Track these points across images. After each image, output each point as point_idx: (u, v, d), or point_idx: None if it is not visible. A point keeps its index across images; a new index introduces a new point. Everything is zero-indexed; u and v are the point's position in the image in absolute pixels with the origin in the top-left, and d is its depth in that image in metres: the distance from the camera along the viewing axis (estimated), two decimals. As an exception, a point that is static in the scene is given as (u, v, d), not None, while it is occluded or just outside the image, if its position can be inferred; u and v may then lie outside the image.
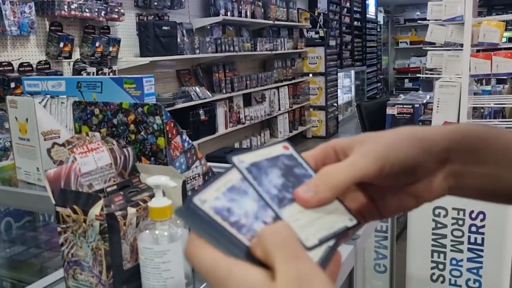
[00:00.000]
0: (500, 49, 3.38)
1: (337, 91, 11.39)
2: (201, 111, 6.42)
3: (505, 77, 5.09)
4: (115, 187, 1.13)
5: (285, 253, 0.46)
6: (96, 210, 1.01)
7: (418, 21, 5.60)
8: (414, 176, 0.60)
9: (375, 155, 0.56)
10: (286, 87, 9.34)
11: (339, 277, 1.21)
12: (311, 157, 0.59)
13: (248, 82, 7.73)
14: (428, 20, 3.48)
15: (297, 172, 0.56)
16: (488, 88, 5.14)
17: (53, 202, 1.05)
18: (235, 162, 0.53)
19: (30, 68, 4.28)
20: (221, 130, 7.01)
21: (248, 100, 8.30)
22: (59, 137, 1.61)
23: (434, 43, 3.74)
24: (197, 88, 6.43)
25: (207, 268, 0.48)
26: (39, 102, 1.63)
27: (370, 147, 0.57)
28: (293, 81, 9.64)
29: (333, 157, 0.60)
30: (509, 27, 10.54)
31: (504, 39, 3.80)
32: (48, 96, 1.66)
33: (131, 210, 1.07)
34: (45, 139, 1.59)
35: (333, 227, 0.53)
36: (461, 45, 3.32)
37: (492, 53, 3.30)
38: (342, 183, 0.54)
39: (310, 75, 10.46)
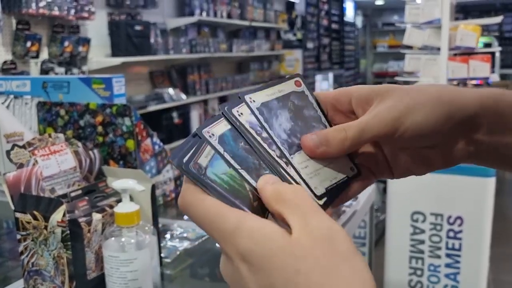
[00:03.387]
0: (477, 53, 3.38)
1: (314, 94, 11.40)
2: (174, 114, 6.34)
3: (482, 83, 5.13)
4: (79, 191, 1.08)
5: (304, 209, 0.45)
6: (58, 216, 0.96)
7: (396, 24, 5.61)
8: (432, 141, 0.57)
9: (390, 117, 0.53)
10: (263, 89, 9.32)
11: None
12: (323, 97, 0.59)
13: (223, 84, 7.67)
14: (406, 23, 3.48)
15: (306, 114, 0.56)
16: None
17: (12, 207, 1.00)
18: (247, 100, 0.53)
19: (-6, 69, 4.15)
20: (196, 133, 6.96)
21: (223, 103, 8.26)
22: (22, 139, 1.54)
23: (412, 47, 3.74)
24: (170, 90, 6.36)
25: (212, 219, 0.45)
26: (2, 103, 1.57)
27: (388, 106, 0.54)
28: (269, 84, 9.63)
29: (346, 106, 0.58)
30: (485, 33, 10.66)
31: (480, 45, 3.82)
32: (12, 96, 1.60)
33: (96, 216, 1.02)
34: (7, 142, 1.53)
35: (336, 177, 0.54)
36: (439, 48, 3.32)
37: (469, 57, 3.31)
38: (352, 143, 0.53)
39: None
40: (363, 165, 0.58)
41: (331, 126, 0.56)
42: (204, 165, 0.47)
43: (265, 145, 0.51)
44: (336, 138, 0.53)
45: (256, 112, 0.52)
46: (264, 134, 0.51)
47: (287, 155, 0.52)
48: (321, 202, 0.52)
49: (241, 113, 0.51)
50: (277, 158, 0.51)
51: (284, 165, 0.51)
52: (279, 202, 0.45)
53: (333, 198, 0.53)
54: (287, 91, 0.56)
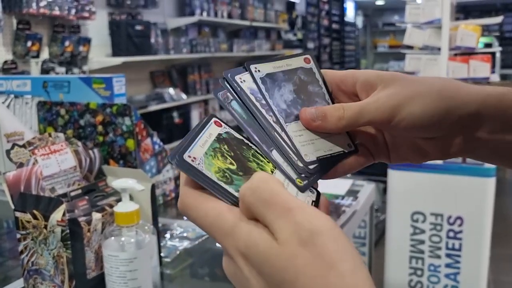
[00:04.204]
0: (477, 53, 3.38)
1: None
2: (175, 114, 6.33)
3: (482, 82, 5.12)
4: (79, 191, 1.08)
5: (274, 210, 0.44)
6: (57, 215, 0.96)
7: (397, 24, 5.62)
8: (428, 134, 0.57)
9: (389, 105, 0.54)
10: (263, 89, 9.31)
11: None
12: (330, 76, 0.60)
13: (224, 84, 7.67)
14: (406, 23, 3.48)
15: (310, 89, 0.57)
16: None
17: (12, 207, 1.00)
18: (251, 69, 0.53)
19: (-5, 68, 4.15)
20: (196, 133, 6.94)
21: (224, 103, 8.24)
22: (23, 139, 1.54)
23: (412, 47, 3.74)
24: (171, 90, 6.35)
25: (211, 220, 0.46)
26: (2, 102, 1.57)
27: (389, 93, 0.55)
28: (270, 84, 9.61)
29: (350, 88, 0.58)
30: (485, 33, 10.65)
31: (481, 45, 3.81)
32: (12, 95, 1.60)
33: (96, 216, 1.02)
34: (8, 141, 1.52)
35: (331, 149, 0.55)
36: (439, 48, 3.32)
37: (469, 57, 3.30)
38: (348, 123, 0.54)
39: (287, 77, 10.44)
40: (363, 145, 0.59)
41: (333, 104, 0.57)
42: (199, 156, 0.47)
43: (263, 111, 0.52)
44: (333, 115, 0.54)
45: (259, 81, 0.53)
46: (263, 102, 0.52)
47: (282, 122, 0.52)
48: (309, 172, 0.52)
49: (244, 80, 0.52)
50: (272, 123, 0.52)
51: (278, 129, 0.52)
52: (259, 206, 0.45)
53: (325, 168, 0.54)
54: (295, 66, 0.57)
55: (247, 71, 0.54)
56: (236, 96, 0.52)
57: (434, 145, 0.59)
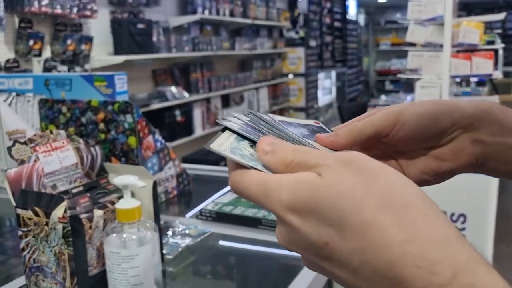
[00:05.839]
0: (480, 50, 3.37)
1: (317, 93, 11.37)
2: (177, 112, 6.33)
3: (484, 80, 5.11)
4: (81, 188, 1.08)
5: (315, 155, 0.46)
6: (59, 212, 0.95)
7: (399, 21, 5.61)
8: (434, 136, 0.60)
9: (392, 110, 0.58)
10: (266, 88, 9.28)
11: (320, 279, 1.17)
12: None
13: (226, 82, 7.66)
14: (409, 20, 3.47)
15: (321, 133, 0.59)
16: (468, 90, 5.16)
17: (14, 203, 0.99)
18: (270, 115, 0.55)
19: (-2, 67, 4.15)
20: (198, 131, 6.92)
21: (226, 101, 8.21)
22: (25, 137, 1.54)
23: (414, 44, 3.73)
24: (173, 88, 6.35)
25: (256, 188, 0.46)
26: (4, 100, 1.57)
27: (392, 106, 0.59)
28: (272, 82, 9.58)
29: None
30: (488, 31, 10.64)
31: (483, 43, 3.80)
32: (14, 93, 1.60)
33: (98, 213, 1.02)
34: (10, 139, 1.52)
35: None
36: (441, 45, 3.31)
37: (472, 53, 3.30)
38: (358, 134, 0.56)
39: (290, 75, 10.43)
40: None
41: None
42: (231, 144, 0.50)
43: (281, 127, 0.54)
44: (344, 131, 0.57)
45: (276, 118, 0.56)
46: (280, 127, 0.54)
47: (301, 140, 0.54)
48: None
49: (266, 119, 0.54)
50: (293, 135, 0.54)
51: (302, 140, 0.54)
52: (297, 157, 0.47)
53: None
54: (306, 122, 0.60)
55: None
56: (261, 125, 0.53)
57: (446, 151, 0.61)
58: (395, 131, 0.58)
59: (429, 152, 0.61)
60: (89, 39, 4.92)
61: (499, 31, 11.75)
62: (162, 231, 1.20)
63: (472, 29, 3.29)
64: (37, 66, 4.51)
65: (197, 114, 6.91)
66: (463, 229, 2.82)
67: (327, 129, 0.60)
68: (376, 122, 0.57)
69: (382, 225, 0.40)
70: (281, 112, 10.01)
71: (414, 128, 0.58)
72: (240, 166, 0.49)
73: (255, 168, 0.48)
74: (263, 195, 0.46)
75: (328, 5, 13.24)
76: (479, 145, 0.60)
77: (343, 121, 5.19)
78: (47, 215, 0.96)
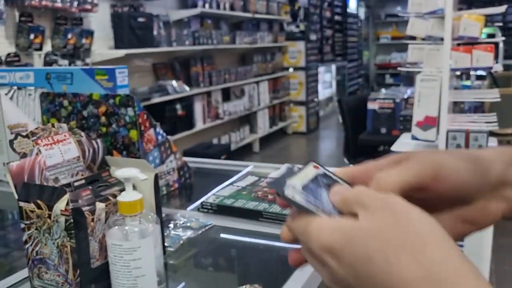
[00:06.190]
0: (480, 43, 3.37)
1: (317, 86, 11.37)
2: (178, 106, 6.34)
3: (485, 73, 5.10)
4: (83, 181, 1.08)
5: (367, 200, 0.49)
6: (61, 205, 0.96)
7: (399, 14, 5.59)
8: (468, 196, 0.57)
9: (431, 159, 0.54)
10: (266, 81, 9.29)
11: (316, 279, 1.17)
12: (341, 173, 0.61)
13: (226, 76, 7.67)
14: (409, 13, 3.46)
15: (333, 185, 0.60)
16: (468, 83, 5.15)
17: (16, 196, 1.00)
18: (289, 188, 0.57)
19: (-2, 61, 4.16)
20: (199, 125, 6.93)
21: (226, 95, 8.22)
22: (26, 130, 1.55)
23: (415, 38, 3.72)
24: (174, 82, 6.36)
25: (302, 229, 0.52)
26: (5, 94, 1.57)
27: (424, 154, 0.56)
28: (273, 76, 9.59)
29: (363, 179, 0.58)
30: (489, 23, 10.62)
31: (484, 35, 3.79)
32: (15, 87, 1.60)
33: (100, 205, 1.02)
34: (11, 133, 1.53)
35: None
36: (442, 38, 3.31)
37: (472, 46, 3.29)
38: (394, 186, 0.52)
39: (291, 69, 10.43)
40: None
41: None
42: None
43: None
44: (377, 185, 0.53)
45: (304, 195, 0.56)
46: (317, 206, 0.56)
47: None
48: None
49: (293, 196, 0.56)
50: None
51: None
52: (347, 204, 0.51)
53: None
54: (312, 175, 0.59)
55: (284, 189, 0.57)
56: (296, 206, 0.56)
57: (476, 211, 0.59)
58: (435, 188, 0.54)
59: (459, 213, 0.59)
60: (89, 33, 4.92)
61: (500, 24, 11.73)
62: (163, 223, 1.20)
63: (472, 22, 3.28)
64: (37, 60, 4.51)
65: (198, 107, 6.91)
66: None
67: (331, 175, 0.60)
68: (415, 176, 0.53)
69: None
70: (281, 105, 10.02)
71: (452, 185, 0.54)
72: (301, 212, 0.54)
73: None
74: (308, 240, 0.51)
75: (328, -2, 13.24)
76: (506, 201, 0.58)
77: (343, 114, 5.18)
78: (50, 208, 0.97)
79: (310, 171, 0.59)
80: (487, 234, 2.84)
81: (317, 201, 0.54)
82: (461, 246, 2.84)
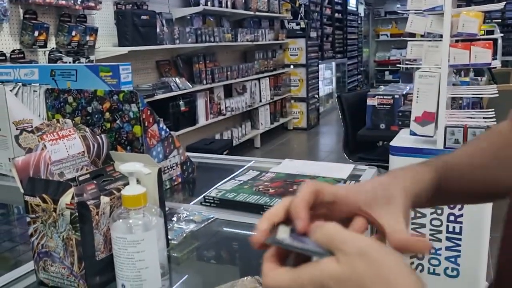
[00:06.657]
0: (479, 39, 3.37)
1: (318, 83, 11.37)
2: (181, 102, 6.36)
3: (483, 69, 5.10)
4: (87, 176, 1.10)
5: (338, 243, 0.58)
6: (66, 198, 0.98)
7: (399, 12, 5.60)
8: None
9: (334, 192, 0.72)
10: (267, 78, 9.31)
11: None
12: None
13: (229, 73, 7.68)
14: (408, 11, 3.47)
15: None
16: (467, 79, 5.16)
17: (22, 191, 1.02)
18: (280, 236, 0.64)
19: (4, 58, 4.13)
20: (202, 121, 6.95)
21: (229, 91, 8.25)
22: (31, 126, 1.57)
23: (414, 35, 3.72)
24: (177, 79, 6.37)
25: (289, 280, 0.58)
26: (10, 90, 1.59)
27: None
28: (274, 73, 9.61)
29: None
30: (487, 20, 10.61)
31: (482, 32, 3.80)
32: (20, 84, 1.62)
33: (104, 199, 1.04)
34: (17, 129, 1.55)
35: None
36: (441, 35, 3.32)
37: (471, 43, 3.30)
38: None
39: (291, 66, 10.44)
40: None
41: None
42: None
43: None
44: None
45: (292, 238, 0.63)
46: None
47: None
48: None
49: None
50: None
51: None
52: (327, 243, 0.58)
53: None
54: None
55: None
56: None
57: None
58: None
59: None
60: (94, 30, 4.93)
61: (498, 20, 11.71)
62: (167, 217, 1.22)
63: (471, 18, 3.29)
64: (42, 57, 4.52)
65: (201, 104, 6.93)
66: (460, 215, 2.85)
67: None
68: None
69: None
70: (282, 102, 10.03)
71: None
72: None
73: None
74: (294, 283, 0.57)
75: (329, -5, 13.23)
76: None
77: (342, 110, 5.20)
78: (55, 202, 0.99)
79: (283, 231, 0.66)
80: (485, 227, 2.85)
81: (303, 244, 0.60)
82: (461, 215, 2.86)
